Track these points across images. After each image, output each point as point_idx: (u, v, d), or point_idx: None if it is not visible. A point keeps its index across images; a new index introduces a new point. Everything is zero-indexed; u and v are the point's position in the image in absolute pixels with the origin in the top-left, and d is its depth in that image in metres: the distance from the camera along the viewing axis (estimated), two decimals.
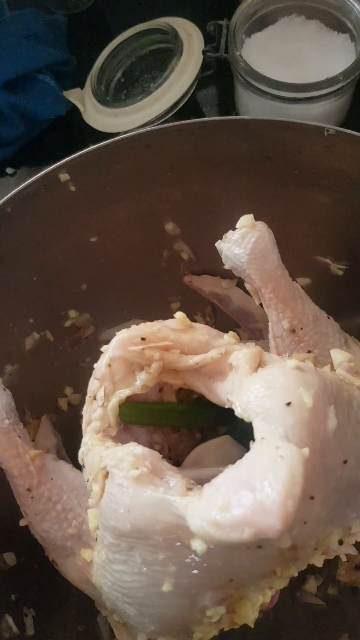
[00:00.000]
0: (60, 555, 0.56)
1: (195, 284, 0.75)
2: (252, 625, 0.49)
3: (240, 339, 0.63)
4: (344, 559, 0.50)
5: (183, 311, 0.76)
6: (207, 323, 0.78)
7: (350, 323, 0.65)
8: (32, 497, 0.54)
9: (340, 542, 0.48)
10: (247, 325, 0.74)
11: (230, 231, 0.55)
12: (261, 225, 0.54)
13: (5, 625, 0.59)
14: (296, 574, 0.47)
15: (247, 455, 0.39)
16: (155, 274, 0.74)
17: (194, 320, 0.77)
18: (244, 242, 0.54)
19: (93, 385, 0.50)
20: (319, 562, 0.49)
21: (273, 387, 0.42)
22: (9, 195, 0.59)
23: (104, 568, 0.47)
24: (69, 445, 0.69)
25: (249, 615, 0.45)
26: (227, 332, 0.54)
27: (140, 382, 0.49)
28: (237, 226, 0.54)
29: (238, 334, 0.74)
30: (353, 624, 0.67)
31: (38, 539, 0.57)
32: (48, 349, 0.72)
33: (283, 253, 0.62)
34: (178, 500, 0.39)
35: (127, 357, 0.49)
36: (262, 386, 0.42)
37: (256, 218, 0.57)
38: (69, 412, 0.73)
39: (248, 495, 0.35)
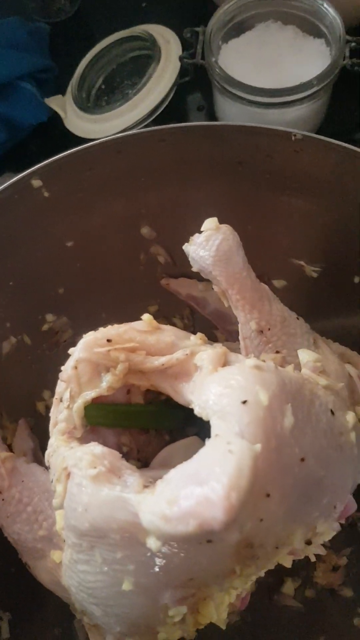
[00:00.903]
0: (32, 558, 0.56)
1: (172, 287, 0.75)
2: (223, 627, 0.49)
3: (218, 341, 0.64)
4: (312, 559, 0.50)
5: (161, 314, 0.78)
6: (185, 325, 0.78)
7: (325, 324, 0.65)
8: (2, 500, 0.55)
9: (309, 542, 0.48)
10: (225, 327, 0.74)
11: (196, 234, 0.55)
12: (225, 228, 0.55)
13: None
14: (262, 574, 0.48)
15: (199, 451, 0.39)
16: (132, 278, 0.75)
17: (172, 323, 0.78)
18: (208, 245, 0.54)
19: (59, 387, 0.51)
20: (287, 562, 0.49)
21: (230, 385, 0.42)
22: None
23: (70, 568, 0.48)
24: (46, 449, 0.69)
25: (213, 615, 0.45)
26: (205, 334, 0.54)
27: (106, 383, 0.49)
28: (202, 229, 0.55)
29: (216, 336, 0.76)
30: (331, 626, 0.67)
31: (11, 542, 0.58)
32: (26, 353, 0.72)
33: (258, 255, 0.62)
34: (133, 497, 0.40)
35: (92, 359, 0.49)
36: (219, 385, 0.43)
37: (230, 222, 0.58)
38: (47, 416, 0.73)
39: (195, 488, 0.36)
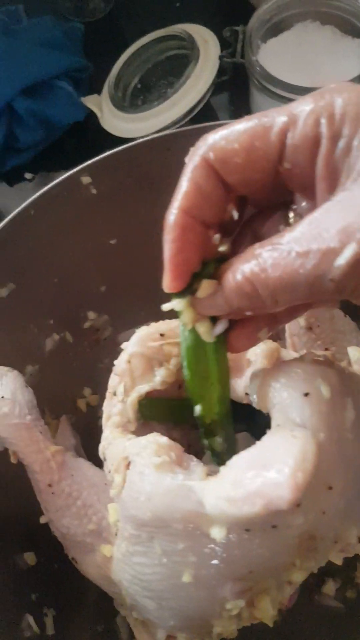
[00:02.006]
0: (80, 552, 0.56)
1: None
2: (271, 625, 0.49)
3: None
4: None
5: None
6: None
7: None
8: (52, 493, 0.55)
9: None
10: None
11: None
12: None
13: (25, 624, 0.59)
14: (316, 570, 0.48)
15: (262, 439, 0.40)
16: None
17: None
18: None
19: (113, 381, 0.51)
20: (338, 559, 0.49)
21: (291, 378, 0.42)
22: (32, 198, 0.60)
23: (124, 562, 0.48)
24: (87, 445, 0.69)
25: (269, 609, 0.45)
26: None
27: (159, 377, 0.50)
28: None
29: None
30: None
31: (58, 536, 0.58)
32: (67, 350, 0.72)
33: None
34: (197, 484, 0.40)
35: (146, 353, 0.50)
36: (280, 378, 0.43)
37: None
38: (88, 413, 0.74)
39: (261, 470, 0.36)
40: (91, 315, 0.73)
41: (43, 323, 0.69)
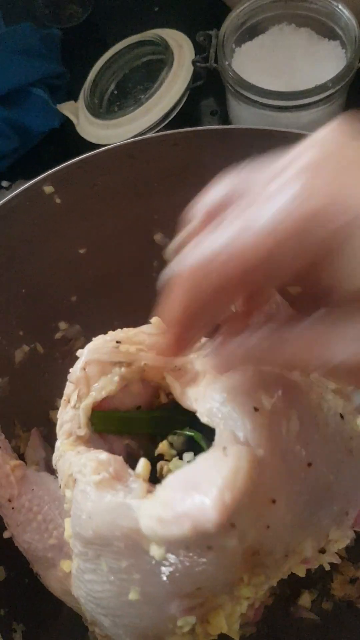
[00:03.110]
0: (43, 567, 0.56)
1: None
2: (236, 639, 0.48)
3: None
4: (327, 567, 0.49)
5: None
6: None
7: None
8: (12, 508, 0.54)
9: (322, 551, 0.48)
10: None
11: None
12: None
13: None
14: (274, 583, 0.47)
15: (197, 457, 0.40)
16: (145, 285, 0.73)
17: None
18: None
19: (68, 389, 0.50)
20: (300, 572, 0.48)
21: (233, 391, 0.42)
22: None
23: (78, 578, 0.47)
24: None
25: (223, 625, 0.44)
26: None
27: (117, 377, 0.49)
28: None
29: None
30: (348, 639, 0.66)
31: (21, 551, 0.57)
32: (38, 361, 0.71)
33: None
34: (135, 503, 0.40)
35: (101, 358, 0.49)
36: (222, 391, 0.43)
37: None
38: None
39: (190, 491, 0.36)
40: (62, 325, 0.72)
41: (11, 334, 0.68)
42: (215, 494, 0.35)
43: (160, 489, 0.39)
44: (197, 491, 0.36)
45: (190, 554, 0.39)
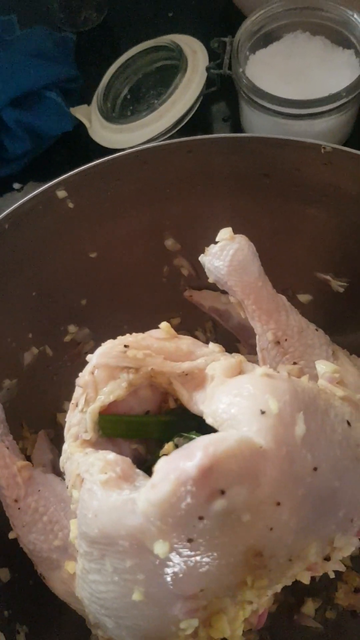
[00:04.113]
0: (47, 568, 0.56)
1: (196, 299, 0.74)
2: None
3: (241, 354, 0.64)
4: (332, 575, 0.49)
5: (184, 327, 0.78)
6: (207, 339, 0.78)
7: (351, 339, 0.64)
8: (19, 509, 0.55)
9: (327, 558, 0.47)
10: (247, 341, 0.73)
11: (212, 245, 0.55)
12: (240, 238, 0.55)
13: None
14: (277, 589, 0.47)
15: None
16: (155, 290, 0.74)
17: (194, 337, 0.77)
18: (222, 254, 0.54)
19: (77, 392, 0.51)
20: (305, 578, 0.48)
21: (240, 394, 0.43)
22: (7, 211, 0.60)
23: (82, 579, 0.48)
24: None
25: (226, 629, 0.44)
26: (228, 348, 0.54)
27: (125, 383, 0.50)
28: (216, 239, 0.55)
29: (239, 350, 0.75)
30: None
31: (26, 552, 0.58)
32: (47, 364, 0.72)
33: (284, 269, 0.61)
34: (138, 496, 0.40)
35: (110, 363, 0.50)
36: (229, 394, 0.44)
37: (255, 234, 0.57)
38: None
39: (178, 457, 0.39)
40: (72, 328, 0.72)
41: (21, 337, 0.68)
42: (200, 445, 0.37)
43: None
44: (184, 456, 0.38)
45: (194, 550, 0.39)
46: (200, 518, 0.38)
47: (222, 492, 0.38)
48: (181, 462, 0.38)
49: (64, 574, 0.55)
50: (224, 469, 0.37)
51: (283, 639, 0.67)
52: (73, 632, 0.63)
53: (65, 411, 0.74)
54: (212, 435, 0.40)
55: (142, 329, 0.66)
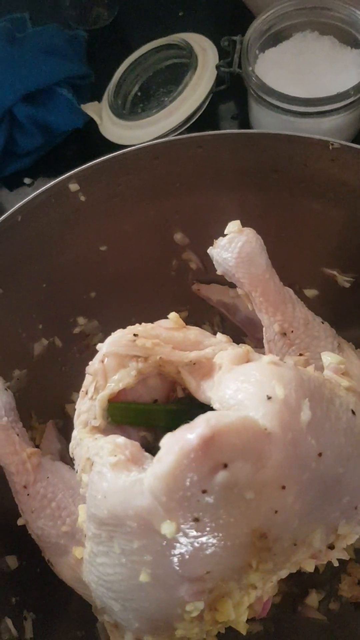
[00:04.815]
0: (55, 554, 0.57)
1: (203, 293, 0.75)
2: (243, 632, 0.49)
3: None
4: (335, 563, 0.49)
5: (191, 320, 0.78)
6: (214, 332, 0.78)
7: (357, 334, 0.65)
8: (28, 495, 0.56)
9: (332, 547, 0.48)
10: (254, 335, 0.74)
11: (220, 237, 0.56)
12: (248, 231, 0.56)
13: (4, 627, 0.59)
14: (282, 575, 0.47)
15: None
16: (163, 283, 0.75)
17: None
18: (231, 247, 0.55)
19: (86, 380, 0.52)
20: (309, 566, 0.48)
21: (247, 380, 0.44)
22: (20, 204, 0.61)
23: (90, 562, 0.48)
24: None
25: (231, 613, 0.45)
26: (235, 342, 0.55)
27: (134, 371, 0.50)
28: (225, 232, 0.56)
29: (245, 343, 0.76)
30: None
31: (34, 538, 0.58)
32: (56, 355, 0.73)
33: (291, 264, 0.62)
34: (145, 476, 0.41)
35: (119, 351, 0.51)
36: (237, 380, 0.44)
37: (263, 229, 0.58)
38: None
39: (184, 430, 0.40)
40: (81, 320, 0.73)
41: (31, 328, 0.69)
42: (203, 418, 0.38)
43: None
44: (187, 428, 0.39)
45: (200, 530, 0.40)
46: (204, 491, 0.39)
47: (225, 466, 0.39)
48: (184, 434, 0.39)
49: (72, 560, 0.56)
50: (226, 441, 0.38)
51: (287, 629, 0.68)
52: (79, 619, 0.64)
53: (73, 402, 0.75)
54: (215, 412, 0.41)
55: (150, 322, 0.67)
